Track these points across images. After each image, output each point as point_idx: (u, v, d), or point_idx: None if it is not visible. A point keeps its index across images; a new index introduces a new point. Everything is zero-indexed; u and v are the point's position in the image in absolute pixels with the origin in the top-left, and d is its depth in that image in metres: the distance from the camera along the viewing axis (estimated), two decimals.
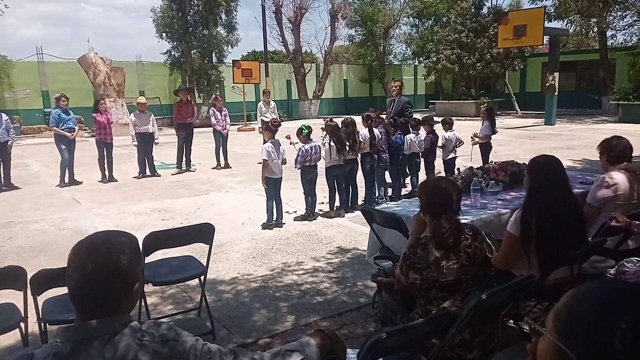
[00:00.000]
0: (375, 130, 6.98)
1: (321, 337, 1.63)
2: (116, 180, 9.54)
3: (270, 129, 6.24)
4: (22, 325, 2.94)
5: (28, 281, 2.76)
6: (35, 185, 9.29)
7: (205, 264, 3.57)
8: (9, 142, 8.64)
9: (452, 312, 1.97)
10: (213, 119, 10.86)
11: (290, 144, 6.54)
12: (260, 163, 6.24)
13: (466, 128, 8.28)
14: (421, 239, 2.45)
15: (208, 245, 3.50)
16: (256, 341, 3.49)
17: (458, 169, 4.41)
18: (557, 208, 2.93)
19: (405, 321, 2.54)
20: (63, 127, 9.11)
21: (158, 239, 3.20)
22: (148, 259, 3.48)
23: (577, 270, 3.03)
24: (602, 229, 3.37)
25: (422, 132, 7.73)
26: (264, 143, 6.33)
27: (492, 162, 4.82)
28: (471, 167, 4.44)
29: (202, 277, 3.56)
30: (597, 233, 3.31)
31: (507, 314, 2.76)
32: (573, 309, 0.83)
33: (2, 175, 8.88)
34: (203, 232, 3.35)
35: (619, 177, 3.56)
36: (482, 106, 8.54)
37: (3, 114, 8.71)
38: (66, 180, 9.21)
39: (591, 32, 25.33)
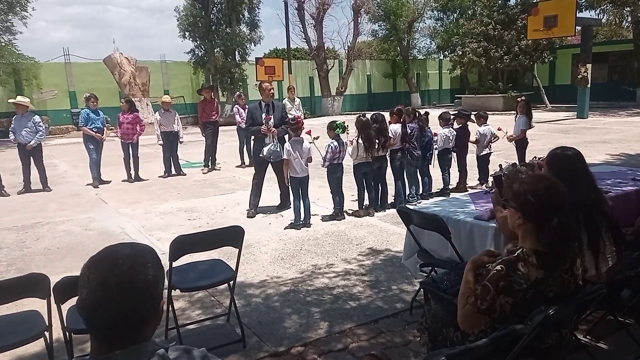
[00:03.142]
0: (410, 126, 6.77)
1: None
2: (143, 180, 9.49)
3: (291, 128, 6.15)
4: (47, 334, 2.81)
5: (51, 289, 2.63)
6: (62, 186, 9.31)
7: (234, 268, 3.39)
8: (31, 143, 8.52)
9: (518, 330, 1.74)
10: (237, 117, 10.76)
11: (311, 141, 6.34)
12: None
13: (496, 123, 7.89)
14: (518, 252, 1.96)
15: (237, 249, 3.32)
16: (289, 350, 3.30)
17: (500, 165, 4.12)
18: (586, 204, 2.68)
19: (459, 335, 2.31)
20: (91, 127, 9.10)
21: (186, 243, 3.04)
22: (175, 263, 3.33)
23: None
24: None
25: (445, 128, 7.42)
26: (288, 140, 6.20)
27: (534, 157, 4.52)
28: (514, 164, 4.15)
29: (231, 282, 3.38)
30: None
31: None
32: None
33: (36, 177, 8.87)
34: (233, 236, 3.17)
35: None
36: (518, 99, 8.13)
37: (36, 117, 8.68)
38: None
39: (625, 21, 24.40)
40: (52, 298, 2.66)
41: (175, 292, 3.52)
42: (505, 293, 1.88)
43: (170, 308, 3.25)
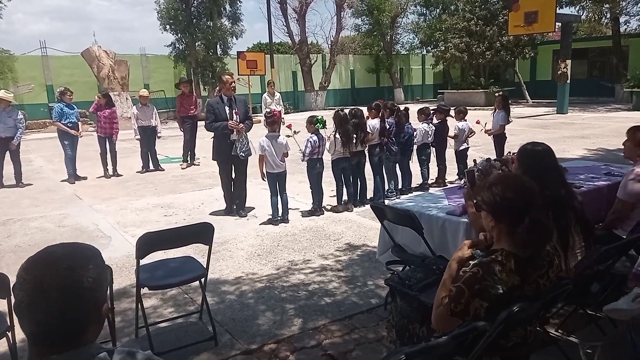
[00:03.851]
0: (388, 121, 6.74)
1: None
2: (120, 175, 9.34)
3: (267, 122, 6.01)
4: (9, 334, 2.74)
5: (11, 288, 2.54)
6: (37, 181, 9.12)
7: (205, 266, 3.34)
8: (13, 141, 8.39)
9: (479, 327, 1.72)
10: None
11: (291, 135, 6.28)
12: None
13: (476, 118, 7.93)
14: (496, 254, 1.90)
15: (207, 246, 3.26)
16: (261, 347, 3.27)
17: (474, 160, 4.13)
18: (555, 200, 2.69)
19: (425, 331, 2.29)
20: (65, 122, 8.90)
21: (153, 241, 2.97)
22: (144, 261, 3.26)
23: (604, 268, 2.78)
24: None
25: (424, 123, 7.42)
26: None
27: (509, 152, 4.54)
28: (488, 159, 4.16)
29: (202, 280, 3.33)
30: (633, 230, 3.05)
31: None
32: None
33: (10, 172, 8.69)
34: (201, 233, 3.11)
35: None
36: (496, 94, 8.17)
37: (19, 113, 8.58)
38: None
39: (604, 18, 24.70)
40: (12, 298, 2.58)
41: (145, 290, 3.47)
42: (480, 297, 1.84)
43: (139, 306, 3.20)
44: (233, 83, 6.12)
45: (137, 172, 9.65)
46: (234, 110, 5.98)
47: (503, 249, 1.90)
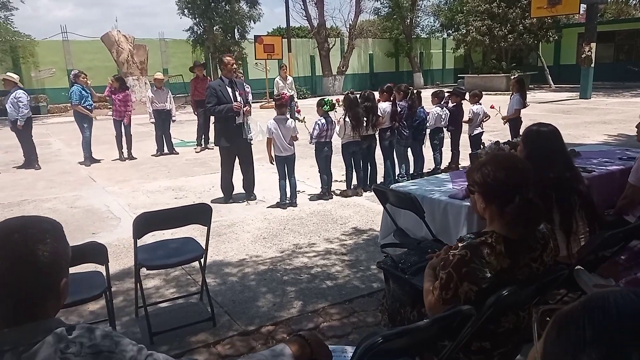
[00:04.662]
0: (400, 104, 6.62)
1: (299, 344, 1.35)
2: (135, 158, 9.43)
3: (275, 104, 5.92)
4: None
5: None
6: (54, 164, 9.27)
7: (205, 246, 3.33)
8: (19, 123, 8.40)
9: (464, 311, 1.66)
10: None
11: (301, 120, 6.22)
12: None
13: (497, 103, 7.73)
14: (486, 236, 1.83)
15: (206, 227, 3.25)
16: (259, 329, 3.26)
17: (483, 144, 4.02)
18: (559, 182, 2.59)
19: (416, 315, 2.24)
20: (85, 105, 8.99)
21: (150, 221, 2.97)
22: (141, 242, 3.27)
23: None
24: None
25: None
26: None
27: (521, 136, 4.41)
28: (497, 142, 4.06)
29: (202, 260, 3.32)
30: None
31: (535, 304, 2.44)
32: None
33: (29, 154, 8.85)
34: (199, 213, 3.10)
35: None
36: (512, 78, 7.96)
37: (18, 91, 8.43)
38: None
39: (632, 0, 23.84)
40: None
41: (147, 271, 3.49)
42: (468, 280, 1.78)
43: (137, 286, 3.22)
44: (234, 65, 5.96)
45: (151, 155, 9.73)
46: (237, 92, 5.89)
47: (493, 231, 1.83)
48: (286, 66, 12.63)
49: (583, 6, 18.15)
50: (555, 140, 2.78)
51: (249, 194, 6.31)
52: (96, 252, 2.66)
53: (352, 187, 6.41)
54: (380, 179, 6.76)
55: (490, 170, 1.84)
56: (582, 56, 18.09)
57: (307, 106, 6.71)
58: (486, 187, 1.85)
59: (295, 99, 12.09)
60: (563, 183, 2.64)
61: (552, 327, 0.68)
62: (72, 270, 2.80)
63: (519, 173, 1.82)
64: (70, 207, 6.25)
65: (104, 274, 2.87)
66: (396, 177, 6.76)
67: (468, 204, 3.07)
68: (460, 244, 1.84)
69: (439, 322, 1.63)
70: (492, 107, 7.39)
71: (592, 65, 17.96)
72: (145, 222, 2.92)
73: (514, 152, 3.29)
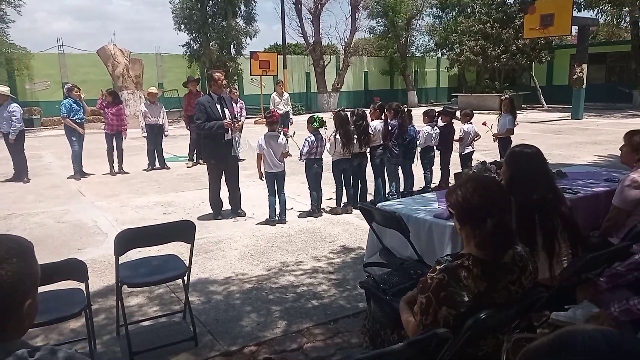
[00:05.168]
0: (391, 123, 6.65)
1: None
2: (127, 173, 9.39)
3: (266, 121, 5.94)
4: None
5: None
6: (44, 177, 9.21)
7: (188, 264, 3.30)
8: (10, 137, 8.36)
9: (440, 334, 1.64)
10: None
11: (290, 136, 6.25)
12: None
13: (483, 121, 7.79)
14: (462, 258, 1.82)
15: (190, 244, 3.22)
16: (241, 349, 3.21)
17: (468, 163, 4.03)
18: (542, 204, 2.60)
19: (396, 337, 2.22)
20: (74, 118, 8.98)
21: (132, 238, 2.94)
22: (127, 258, 3.24)
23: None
24: (631, 233, 2.99)
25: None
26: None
27: None
28: (484, 162, 4.07)
29: (185, 278, 3.28)
30: (624, 237, 2.93)
31: (517, 326, 2.42)
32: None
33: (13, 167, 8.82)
34: (182, 230, 3.07)
35: None
36: (502, 97, 8.03)
37: (12, 105, 8.44)
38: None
39: (623, 22, 24.22)
40: None
41: (130, 288, 3.44)
42: (447, 304, 1.77)
43: (119, 304, 3.17)
44: (223, 81, 5.98)
45: (143, 169, 9.69)
46: (226, 109, 5.90)
47: (470, 254, 1.82)
48: (282, 82, 12.69)
49: (575, 28, 18.43)
50: (538, 162, 2.79)
51: (235, 211, 6.27)
52: (76, 269, 2.63)
53: (342, 204, 6.40)
54: (370, 197, 6.75)
55: (463, 192, 1.85)
56: (574, 77, 18.32)
57: (302, 122, 6.70)
58: (459, 209, 1.87)
59: (291, 115, 12.13)
60: (546, 204, 2.64)
61: None
62: (52, 287, 2.77)
63: (490, 194, 1.83)
64: (58, 222, 6.20)
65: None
66: (386, 195, 6.75)
67: (452, 223, 3.06)
68: (437, 267, 1.83)
69: (415, 346, 1.61)
70: (484, 124, 7.43)
71: (584, 86, 18.18)
72: (127, 239, 2.89)
73: (494, 175, 3.30)
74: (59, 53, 21.33)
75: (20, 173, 8.77)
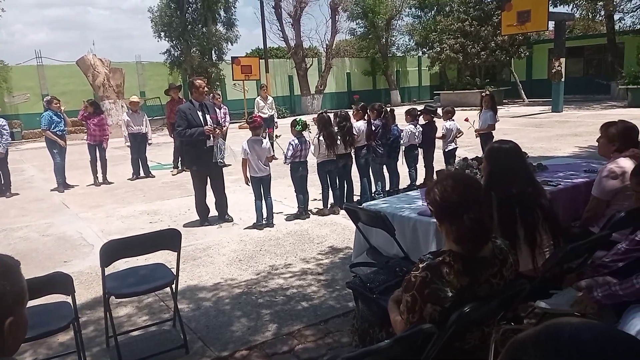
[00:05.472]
0: (375, 123, 6.69)
1: None
2: (111, 183, 9.32)
3: (249, 126, 5.94)
4: None
5: None
6: (27, 191, 9.09)
7: (175, 272, 3.29)
8: (0, 149, 8.31)
9: (425, 329, 1.67)
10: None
11: (274, 139, 6.26)
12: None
13: (465, 117, 7.88)
14: (444, 255, 1.86)
15: (176, 252, 3.21)
16: (232, 354, 3.22)
17: (451, 160, 4.09)
18: (522, 198, 2.66)
19: (384, 335, 2.25)
20: (54, 130, 8.88)
21: (117, 249, 2.93)
22: (114, 269, 3.23)
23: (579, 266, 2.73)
24: (611, 222, 3.05)
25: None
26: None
27: None
28: (465, 158, 4.13)
29: (173, 287, 3.28)
30: (604, 226, 2.99)
31: (503, 317, 2.46)
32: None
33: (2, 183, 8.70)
34: (168, 239, 3.07)
35: (626, 165, 3.23)
36: (482, 94, 8.12)
37: (0, 119, 8.45)
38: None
39: (598, 15, 24.67)
40: None
41: (118, 299, 3.42)
42: (431, 301, 1.79)
43: (107, 315, 3.15)
44: (205, 88, 5.95)
45: (127, 179, 9.62)
46: (208, 115, 5.89)
47: (450, 250, 1.85)
48: (267, 86, 12.70)
49: (551, 23, 18.71)
50: (516, 157, 2.84)
51: (222, 216, 6.26)
52: (61, 282, 2.61)
53: (328, 205, 6.42)
54: (357, 197, 6.79)
55: (440, 189, 1.88)
56: (553, 71, 18.60)
57: (287, 126, 6.72)
58: (436, 206, 1.89)
59: (276, 119, 12.14)
60: (525, 198, 2.69)
61: (506, 353, 0.69)
62: (38, 301, 2.75)
63: (466, 190, 1.86)
64: (42, 235, 6.13)
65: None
66: (372, 194, 6.80)
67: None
68: (420, 265, 1.86)
69: (401, 342, 1.64)
70: (466, 119, 7.51)
71: (563, 79, 18.47)
72: (113, 250, 2.88)
73: (476, 171, 3.35)
74: (38, 65, 21.08)
75: (1, 188, 8.65)
